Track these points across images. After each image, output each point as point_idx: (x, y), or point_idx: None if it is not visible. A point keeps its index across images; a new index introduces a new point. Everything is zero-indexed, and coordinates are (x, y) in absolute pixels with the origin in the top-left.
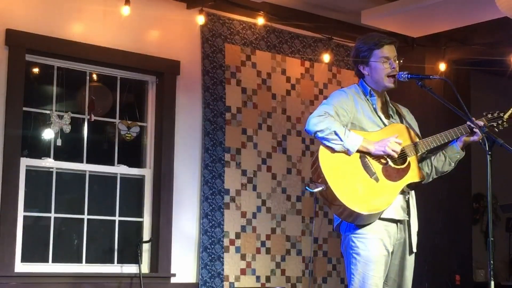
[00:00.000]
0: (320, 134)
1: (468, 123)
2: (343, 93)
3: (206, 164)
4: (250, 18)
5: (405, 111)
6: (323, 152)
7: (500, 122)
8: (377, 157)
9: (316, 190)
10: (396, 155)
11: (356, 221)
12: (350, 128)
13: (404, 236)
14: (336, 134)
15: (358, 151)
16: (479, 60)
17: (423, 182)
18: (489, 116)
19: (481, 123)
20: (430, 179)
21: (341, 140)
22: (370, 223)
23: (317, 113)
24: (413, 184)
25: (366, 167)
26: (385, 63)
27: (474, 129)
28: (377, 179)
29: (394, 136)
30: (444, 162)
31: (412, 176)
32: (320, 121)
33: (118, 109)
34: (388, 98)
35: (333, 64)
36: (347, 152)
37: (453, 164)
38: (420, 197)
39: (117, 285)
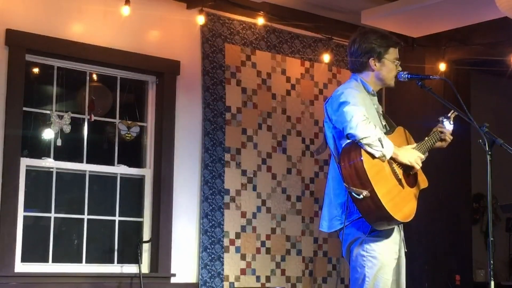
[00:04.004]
0: (365, 141)
1: (439, 128)
2: (357, 92)
3: (206, 164)
4: (250, 18)
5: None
6: (366, 157)
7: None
8: (399, 164)
9: (361, 196)
10: (419, 168)
11: (380, 227)
12: None
13: (401, 237)
14: (380, 141)
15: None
16: (479, 60)
17: None
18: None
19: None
20: None
21: (382, 147)
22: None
23: (360, 118)
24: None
25: (394, 173)
26: (394, 64)
27: (442, 136)
28: (402, 186)
29: (413, 146)
30: None
31: (422, 182)
32: (366, 127)
33: (118, 109)
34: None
35: (333, 64)
36: (382, 158)
37: None
38: (420, 197)
39: (117, 285)
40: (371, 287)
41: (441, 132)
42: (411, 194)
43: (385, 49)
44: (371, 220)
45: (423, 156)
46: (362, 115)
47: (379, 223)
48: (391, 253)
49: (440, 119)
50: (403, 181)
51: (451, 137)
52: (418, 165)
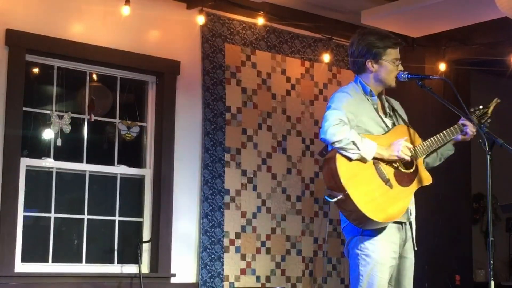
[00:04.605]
0: (337, 145)
1: (461, 122)
2: (348, 95)
3: (206, 164)
4: (250, 18)
5: (396, 105)
6: (340, 161)
7: (485, 118)
8: (389, 163)
9: (335, 199)
10: (408, 159)
11: (367, 227)
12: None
13: (406, 236)
14: (354, 144)
15: (372, 157)
16: (479, 60)
17: None
18: (477, 112)
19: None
20: None
21: (358, 149)
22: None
23: (332, 122)
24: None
25: (380, 173)
26: (394, 64)
27: (465, 129)
28: (391, 186)
29: (404, 139)
30: (435, 158)
31: (422, 179)
32: (337, 131)
33: (118, 109)
34: (383, 95)
35: (333, 64)
36: (363, 160)
37: (443, 160)
38: (420, 197)
39: (117, 285)
40: (365, 285)
41: (464, 125)
42: (403, 193)
43: (383, 50)
44: (353, 222)
45: (410, 145)
46: (335, 119)
47: (362, 225)
48: (387, 251)
49: (472, 109)
50: (393, 180)
51: (474, 130)
52: (405, 155)
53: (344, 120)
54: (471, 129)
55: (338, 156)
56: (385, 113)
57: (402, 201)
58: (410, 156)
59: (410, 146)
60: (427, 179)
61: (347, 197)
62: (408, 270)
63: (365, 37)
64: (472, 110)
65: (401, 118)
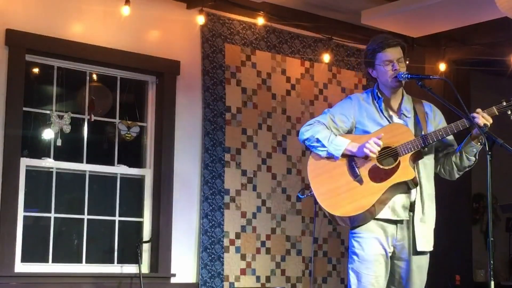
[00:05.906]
0: (307, 143)
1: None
2: (348, 100)
3: (206, 164)
4: (250, 18)
5: (427, 108)
6: (311, 159)
7: None
8: (365, 159)
9: (305, 196)
10: (374, 155)
11: (345, 223)
12: (354, 132)
13: (406, 236)
14: (318, 141)
15: (344, 155)
16: (479, 60)
17: (448, 179)
18: (504, 103)
19: (481, 122)
20: (456, 175)
21: (325, 147)
22: (365, 223)
23: (308, 123)
24: (407, 183)
25: (351, 170)
26: (387, 66)
27: (475, 120)
28: (360, 181)
29: (378, 137)
30: (462, 158)
31: (400, 175)
32: (306, 130)
33: (118, 109)
34: (403, 97)
35: (333, 64)
36: (332, 157)
37: (472, 158)
38: None
39: (117, 285)
40: (353, 282)
41: (473, 117)
42: (372, 189)
43: (372, 56)
44: (333, 220)
45: (379, 141)
46: (312, 120)
47: (338, 222)
48: (371, 248)
49: (503, 100)
50: (365, 177)
51: (481, 123)
52: (371, 153)
53: (323, 122)
54: (481, 118)
55: (311, 155)
56: (398, 114)
57: (368, 197)
58: (394, 152)
59: (379, 142)
60: (406, 175)
61: (313, 194)
62: (414, 273)
63: (366, 48)
64: (502, 100)
65: (421, 120)
